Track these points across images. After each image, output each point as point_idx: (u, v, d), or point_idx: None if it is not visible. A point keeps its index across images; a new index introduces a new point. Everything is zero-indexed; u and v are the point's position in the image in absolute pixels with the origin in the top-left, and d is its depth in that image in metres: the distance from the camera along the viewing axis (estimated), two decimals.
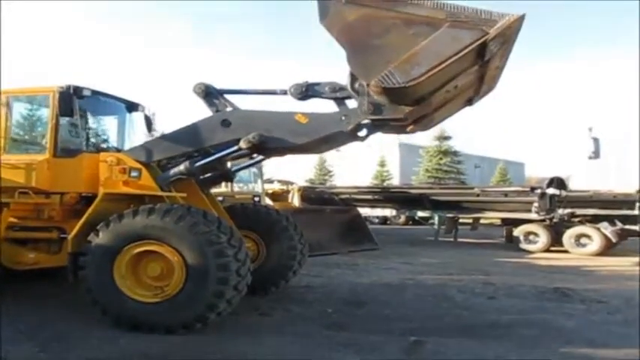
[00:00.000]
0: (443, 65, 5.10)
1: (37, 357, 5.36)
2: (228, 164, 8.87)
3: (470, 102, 6.94)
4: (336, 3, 5.48)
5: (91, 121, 8.16)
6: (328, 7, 5.52)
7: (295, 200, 18.81)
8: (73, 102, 7.28)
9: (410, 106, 5.87)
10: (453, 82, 5.76)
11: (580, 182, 34.86)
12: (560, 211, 16.82)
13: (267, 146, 6.79)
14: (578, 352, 5.81)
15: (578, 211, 16.86)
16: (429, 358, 5.55)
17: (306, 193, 19.96)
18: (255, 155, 7.99)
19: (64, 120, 7.45)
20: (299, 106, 6.81)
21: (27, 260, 7.55)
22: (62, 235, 7.32)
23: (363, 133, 6.69)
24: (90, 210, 6.64)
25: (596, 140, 35.40)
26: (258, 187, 17.58)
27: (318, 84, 6.66)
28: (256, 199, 15.93)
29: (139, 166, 6.99)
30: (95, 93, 7.73)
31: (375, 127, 6.60)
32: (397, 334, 6.22)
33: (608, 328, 6.82)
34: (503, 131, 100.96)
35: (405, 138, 46.30)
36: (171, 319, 5.93)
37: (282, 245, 8.38)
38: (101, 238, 6.17)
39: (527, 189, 17.65)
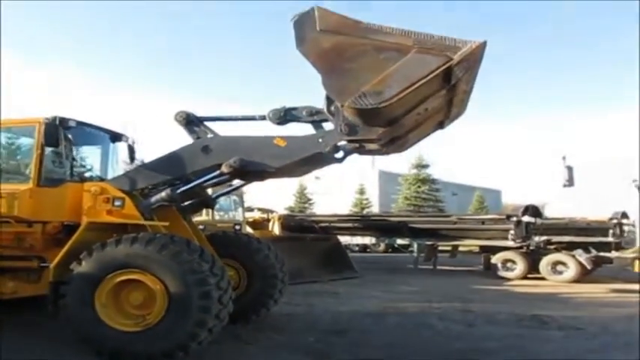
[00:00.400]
0: (412, 88, 5.36)
1: None
2: (209, 191, 8.97)
3: (441, 125, 7.20)
4: (311, 31, 5.77)
5: (76, 151, 8.17)
6: (305, 35, 5.82)
7: (275, 228, 18.88)
8: (58, 132, 7.35)
9: (382, 127, 6.10)
10: (423, 105, 6.01)
11: (556, 209, 35.63)
12: (537, 238, 17.14)
13: (248, 170, 6.90)
14: None
15: (554, 239, 17.14)
16: None
17: (287, 221, 20.03)
18: (234, 182, 8.13)
19: (48, 150, 7.49)
20: (277, 130, 6.99)
21: (5, 290, 7.43)
22: (42, 264, 7.28)
23: (340, 154, 6.87)
24: (73, 239, 6.64)
25: (570, 168, 36.20)
26: (239, 216, 17.63)
27: (295, 108, 6.87)
28: (237, 227, 15.95)
29: (122, 195, 7.03)
30: (80, 124, 7.80)
31: (352, 148, 6.77)
32: None
33: (584, 355, 6.99)
34: (478, 158, 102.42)
35: (384, 166, 47.11)
36: (152, 348, 5.89)
37: (263, 273, 8.42)
38: (84, 266, 6.16)
39: (504, 217, 18.02)
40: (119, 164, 9.10)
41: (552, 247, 16.99)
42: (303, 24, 5.82)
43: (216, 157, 6.94)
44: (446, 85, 5.77)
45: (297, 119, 6.90)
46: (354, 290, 13.18)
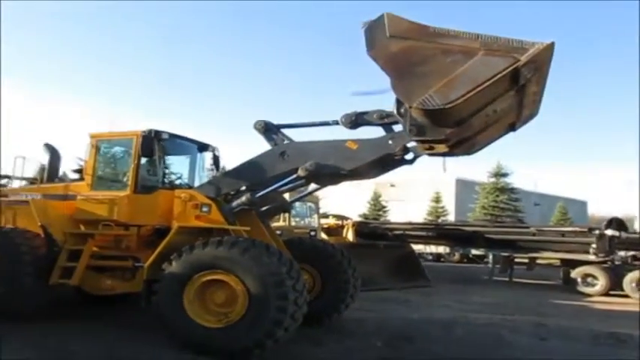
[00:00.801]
0: (478, 89, 5.58)
1: None
2: (286, 196, 9.49)
3: (513, 127, 7.30)
4: (381, 37, 6.11)
5: (167, 161, 8.98)
6: (375, 40, 6.19)
7: (349, 235, 19.20)
8: (153, 144, 8.16)
9: (450, 127, 6.33)
10: (491, 106, 6.20)
11: None
12: (621, 253, 16.35)
13: (323, 173, 7.36)
14: None
15: None
16: None
17: (360, 228, 20.29)
18: (309, 187, 8.61)
19: (144, 160, 8.30)
20: (349, 134, 7.42)
21: (104, 286, 8.28)
22: (136, 264, 8.05)
23: (410, 156, 7.17)
24: (165, 241, 7.36)
25: None
26: (314, 222, 18.14)
27: (366, 112, 7.28)
28: (312, 233, 16.46)
29: (209, 201, 7.71)
30: (172, 136, 8.58)
31: (421, 150, 7.06)
32: None
33: None
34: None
35: (461, 174, 46.18)
36: (232, 344, 6.44)
37: (336, 279, 8.82)
38: (174, 266, 6.84)
39: (585, 229, 17.29)
40: (205, 172, 9.81)
41: (638, 262, 16.11)
42: (373, 30, 6.18)
43: (293, 161, 7.49)
44: (514, 86, 5.96)
45: (368, 123, 7.31)
46: (425, 299, 13.28)
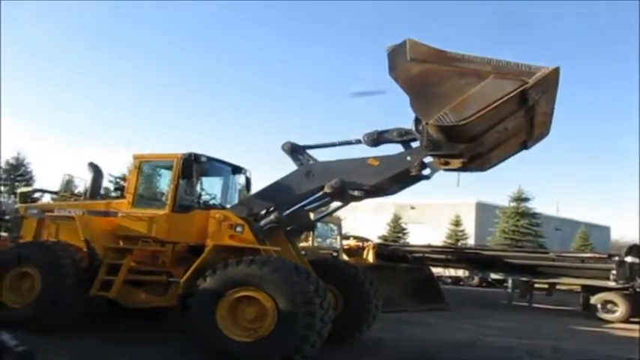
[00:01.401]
0: (489, 108, 6.12)
1: None
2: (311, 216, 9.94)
3: (525, 145, 7.82)
4: (402, 60, 6.75)
5: (205, 182, 9.52)
6: (396, 63, 6.84)
7: (370, 256, 19.49)
8: (192, 166, 8.74)
9: (464, 143, 6.87)
10: (502, 124, 6.74)
11: None
12: None
13: (348, 189, 7.85)
14: None
15: None
16: None
17: (381, 250, 20.55)
18: (333, 205, 9.06)
19: (182, 181, 8.85)
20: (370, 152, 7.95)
21: (139, 300, 8.75)
22: (170, 279, 8.53)
23: (427, 171, 7.63)
24: (200, 258, 7.87)
25: None
26: (336, 243, 18.53)
27: (386, 131, 7.84)
28: (335, 254, 16.86)
29: (242, 222, 8.22)
30: (210, 159, 9.14)
31: (437, 165, 7.53)
32: None
33: None
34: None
35: (482, 197, 46.17)
36: (261, 358, 6.85)
37: (358, 299, 9.18)
38: (208, 282, 7.29)
39: (605, 256, 17.40)
40: (237, 193, 10.33)
41: None
42: (395, 54, 6.85)
43: (319, 179, 8.04)
44: (523, 107, 6.51)
45: (388, 140, 7.88)
46: (443, 322, 13.51)
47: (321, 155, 8.57)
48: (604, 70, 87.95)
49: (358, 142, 8.04)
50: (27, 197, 20.45)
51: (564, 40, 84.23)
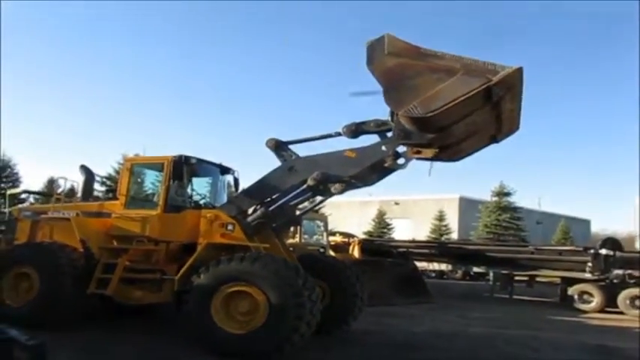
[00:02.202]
0: (454, 102, 6.56)
1: None
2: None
3: (495, 139, 8.32)
4: (380, 53, 7.21)
5: (194, 183, 9.85)
6: (374, 56, 7.29)
7: (355, 252, 19.93)
8: (182, 168, 9.07)
9: (433, 133, 7.34)
10: (470, 118, 7.21)
11: None
12: (617, 271, 17.02)
13: (329, 181, 8.25)
14: None
15: (637, 273, 16.83)
16: None
17: (366, 246, 21.01)
18: (317, 199, 9.45)
19: (173, 182, 9.17)
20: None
21: (134, 297, 9.05)
22: (164, 277, 8.85)
23: (401, 161, 8.05)
24: (194, 256, 8.21)
25: None
26: (323, 239, 18.94)
27: (364, 122, 8.22)
28: (322, 250, 17.26)
29: (233, 220, 8.57)
30: (199, 160, 9.47)
31: (410, 154, 7.92)
32: None
33: None
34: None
35: (465, 192, 46.93)
36: (254, 348, 7.22)
37: (345, 292, 9.59)
38: (203, 279, 7.64)
39: (581, 249, 18.06)
40: (225, 192, 10.67)
41: (632, 281, 16.79)
42: (374, 47, 7.32)
43: (302, 174, 8.45)
44: (488, 102, 6.96)
45: (366, 132, 8.26)
46: (428, 314, 14.00)
47: (304, 150, 8.96)
48: (583, 65, 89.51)
49: (338, 134, 8.40)
50: (14, 199, 20.59)
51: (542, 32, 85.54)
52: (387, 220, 41.56)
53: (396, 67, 7.09)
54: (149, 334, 8.89)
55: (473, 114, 7.13)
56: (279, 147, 8.86)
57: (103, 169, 28.38)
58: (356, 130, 8.21)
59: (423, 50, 7.07)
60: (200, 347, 7.55)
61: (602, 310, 16.66)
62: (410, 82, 6.96)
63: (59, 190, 11.02)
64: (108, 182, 28.28)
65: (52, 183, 35.90)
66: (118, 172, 25.92)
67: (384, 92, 7.16)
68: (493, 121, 7.68)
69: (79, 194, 11.12)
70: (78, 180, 10.73)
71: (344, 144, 8.41)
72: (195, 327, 7.64)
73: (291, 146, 8.89)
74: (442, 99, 6.61)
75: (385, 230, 40.71)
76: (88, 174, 10.75)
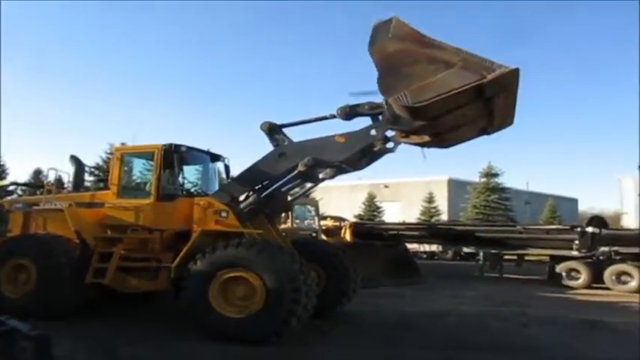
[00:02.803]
0: (444, 95, 6.60)
1: (150, 356, 6.94)
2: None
3: (486, 132, 8.39)
4: (383, 37, 7.13)
5: (185, 171, 9.90)
6: (376, 39, 7.21)
7: (347, 235, 20.11)
8: (173, 157, 9.12)
9: (421, 121, 7.36)
10: (461, 110, 7.25)
11: (633, 219, 34.71)
12: (603, 249, 17.36)
13: (320, 166, 8.35)
14: None
15: (623, 249, 17.25)
16: None
17: (357, 229, 21.18)
18: (308, 185, 9.57)
19: (165, 171, 9.22)
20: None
21: (131, 285, 9.12)
22: (160, 265, 8.95)
23: (390, 144, 8.14)
24: (190, 244, 8.31)
25: None
26: (314, 224, 19.10)
27: (358, 105, 8.24)
28: (314, 234, 17.43)
29: (226, 208, 8.66)
30: (189, 148, 9.51)
31: (399, 138, 8.01)
32: (438, 351, 7.47)
33: (626, 355, 7.82)
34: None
35: (454, 174, 47.27)
36: (252, 332, 7.38)
37: (339, 275, 9.78)
38: (199, 265, 7.76)
39: (568, 227, 18.39)
40: (217, 180, 10.74)
41: (618, 257, 17.15)
42: (379, 29, 7.22)
43: (292, 159, 8.53)
44: (480, 98, 6.99)
45: (360, 114, 8.28)
46: (419, 294, 14.26)
47: (300, 133, 9.01)
48: (570, 42, 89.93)
49: (333, 116, 8.41)
50: (2, 190, 20.50)
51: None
52: (377, 203, 41.78)
53: (396, 52, 7.04)
54: (148, 322, 9.01)
55: (464, 107, 7.17)
56: (272, 130, 8.90)
57: (88, 159, 28.28)
58: (350, 112, 8.23)
59: (427, 39, 6.99)
60: (199, 333, 7.68)
61: (589, 287, 17.01)
62: (406, 70, 6.93)
63: (48, 181, 10.98)
64: (96, 172, 28.14)
65: (38, 174, 35.64)
66: (106, 162, 25.87)
67: (379, 77, 7.11)
68: (485, 115, 7.71)
69: (70, 185, 11.15)
70: (66, 170, 10.75)
71: (340, 126, 8.50)
72: (194, 313, 7.76)
73: (286, 129, 8.93)
74: (433, 90, 6.63)
75: (375, 213, 40.93)
76: (78, 164, 10.77)
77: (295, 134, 9.02)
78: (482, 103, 7.20)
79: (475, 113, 7.56)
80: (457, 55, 6.75)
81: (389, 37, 7.06)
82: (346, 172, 9.01)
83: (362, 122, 8.39)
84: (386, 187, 47.16)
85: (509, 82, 6.73)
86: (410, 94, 6.75)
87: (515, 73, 6.59)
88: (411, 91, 6.75)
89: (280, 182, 8.90)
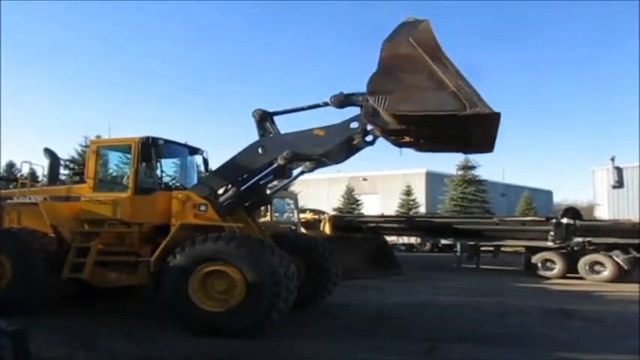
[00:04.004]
0: (419, 114, 6.66)
1: (131, 353, 6.86)
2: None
3: (463, 151, 8.58)
4: (403, 36, 6.91)
5: (163, 164, 9.79)
6: (397, 34, 7.00)
7: (326, 228, 20.14)
8: (150, 150, 9.01)
9: (397, 126, 7.29)
10: (436, 129, 7.28)
11: (606, 211, 35.42)
12: (577, 239, 17.72)
13: (299, 159, 8.32)
14: (565, 356, 7.08)
15: (596, 240, 17.60)
16: (443, 359, 6.88)
17: (336, 222, 21.19)
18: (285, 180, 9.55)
19: (142, 164, 9.11)
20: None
21: (110, 279, 9.06)
22: (139, 259, 8.87)
23: (369, 138, 8.11)
24: (169, 238, 8.24)
25: (619, 170, 36.09)
26: (294, 217, 19.09)
27: (353, 94, 8.10)
28: (293, 227, 17.42)
29: (205, 201, 8.61)
30: (167, 141, 9.41)
31: (377, 132, 7.91)
32: (417, 341, 7.56)
33: (598, 341, 8.03)
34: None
35: (431, 167, 47.67)
36: (233, 326, 7.36)
37: (319, 268, 9.80)
38: (179, 259, 7.70)
39: (543, 218, 18.72)
40: (195, 173, 10.66)
41: (592, 247, 17.53)
42: (405, 26, 7.05)
43: (272, 153, 8.46)
44: (457, 126, 6.94)
45: (353, 103, 8.12)
46: (398, 286, 14.39)
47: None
48: (548, 34, 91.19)
49: (326, 104, 8.25)
50: None
51: None
52: (356, 196, 41.91)
53: (405, 56, 6.84)
54: (128, 316, 8.93)
55: (439, 128, 7.17)
56: (264, 119, 8.79)
57: (62, 152, 27.74)
58: (344, 101, 8.07)
59: (440, 55, 6.83)
60: (180, 327, 7.63)
61: (563, 276, 17.35)
62: (402, 76, 6.81)
63: (21, 175, 10.76)
64: (72, 165, 27.63)
65: (11, 167, 34.90)
66: (81, 155, 25.42)
67: (375, 72, 6.97)
68: (462, 139, 7.68)
69: (45, 178, 10.96)
70: (40, 164, 10.54)
71: (333, 114, 8.36)
72: (174, 307, 7.71)
73: (279, 118, 8.85)
74: (412, 104, 6.62)
75: (354, 206, 41.03)
76: (53, 157, 10.57)
77: (288, 122, 8.98)
78: (457, 130, 7.16)
79: (451, 135, 7.56)
80: (454, 81, 6.63)
81: (409, 37, 6.85)
82: (326, 165, 8.98)
83: (354, 112, 8.24)
84: (364, 179, 47.33)
85: (487, 121, 6.70)
86: (390, 100, 6.70)
87: (494, 116, 6.56)
88: (393, 98, 6.70)
89: (259, 175, 8.86)
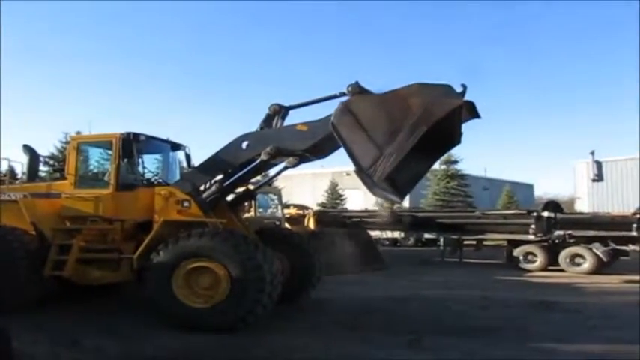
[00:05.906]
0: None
1: (116, 349, 6.81)
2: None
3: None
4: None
5: (145, 161, 9.71)
6: (413, 91, 7.14)
7: (311, 224, 20.19)
8: (132, 146, 8.93)
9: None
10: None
11: (586, 204, 36.01)
12: (557, 232, 18.02)
13: (282, 154, 8.32)
14: (546, 346, 7.19)
15: (576, 233, 17.96)
16: (426, 350, 6.95)
17: (321, 217, 21.30)
18: (272, 172, 9.56)
19: (124, 160, 9.03)
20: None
21: (93, 277, 8.98)
22: (122, 256, 8.80)
23: None
24: (152, 234, 8.19)
25: (598, 163, 36.71)
26: (278, 213, 19.07)
27: (366, 90, 7.98)
28: (277, 223, 17.41)
29: (188, 197, 8.55)
30: (148, 137, 9.33)
31: None
32: (401, 334, 7.61)
33: (577, 331, 8.17)
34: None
35: None
36: (218, 321, 7.36)
37: (303, 263, 9.80)
38: (162, 256, 7.66)
39: (525, 212, 18.99)
40: (177, 169, 10.59)
41: (572, 240, 17.82)
42: (429, 89, 7.11)
43: (255, 148, 8.42)
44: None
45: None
46: (382, 280, 14.50)
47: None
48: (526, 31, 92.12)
49: (343, 94, 8.10)
50: None
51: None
52: (340, 192, 41.99)
53: (413, 106, 7.01)
54: (113, 313, 8.86)
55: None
56: (277, 113, 8.71)
57: (42, 149, 27.29)
58: (360, 91, 7.94)
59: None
60: (165, 323, 7.60)
61: (545, 269, 17.66)
62: (383, 114, 7.20)
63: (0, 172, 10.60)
64: (51, 162, 27.24)
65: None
66: (61, 152, 25.07)
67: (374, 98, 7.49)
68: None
69: (24, 175, 10.79)
70: (19, 161, 10.39)
71: None
72: (158, 303, 7.68)
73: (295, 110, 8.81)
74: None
75: (338, 201, 41.10)
76: (32, 154, 10.39)
77: (300, 117, 8.86)
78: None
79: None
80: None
81: (429, 99, 6.96)
82: (309, 160, 8.99)
83: None
84: (348, 174, 47.20)
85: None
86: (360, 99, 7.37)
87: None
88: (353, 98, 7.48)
89: (243, 171, 8.84)
